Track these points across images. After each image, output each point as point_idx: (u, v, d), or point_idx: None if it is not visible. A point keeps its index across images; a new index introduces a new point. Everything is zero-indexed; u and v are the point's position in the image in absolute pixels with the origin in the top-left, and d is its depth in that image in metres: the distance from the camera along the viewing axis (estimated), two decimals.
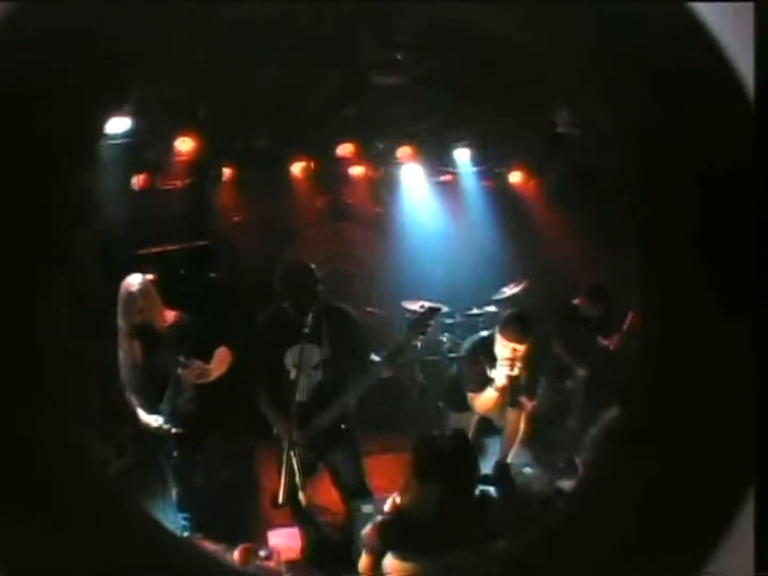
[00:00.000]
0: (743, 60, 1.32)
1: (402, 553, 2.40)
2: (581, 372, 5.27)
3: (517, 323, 4.06)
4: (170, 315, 3.75)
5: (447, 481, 2.36)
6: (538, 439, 4.94)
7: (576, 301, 5.45)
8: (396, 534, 2.42)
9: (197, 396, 3.67)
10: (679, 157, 1.34)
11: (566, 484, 4.04)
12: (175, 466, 3.72)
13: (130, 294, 3.63)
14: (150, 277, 3.78)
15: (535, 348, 4.56)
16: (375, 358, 3.59)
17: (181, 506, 3.80)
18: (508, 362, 4.03)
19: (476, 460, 2.51)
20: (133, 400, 3.72)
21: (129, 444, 4.56)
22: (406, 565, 2.39)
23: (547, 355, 4.99)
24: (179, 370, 3.53)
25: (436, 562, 2.37)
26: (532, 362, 4.58)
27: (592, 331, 5.38)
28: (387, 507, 2.50)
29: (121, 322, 3.68)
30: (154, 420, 3.64)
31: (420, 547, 2.39)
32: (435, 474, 2.38)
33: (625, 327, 5.29)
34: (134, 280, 3.67)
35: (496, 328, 4.10)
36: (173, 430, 3.60)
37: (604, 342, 5.37)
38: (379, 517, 2.49)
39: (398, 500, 2.46)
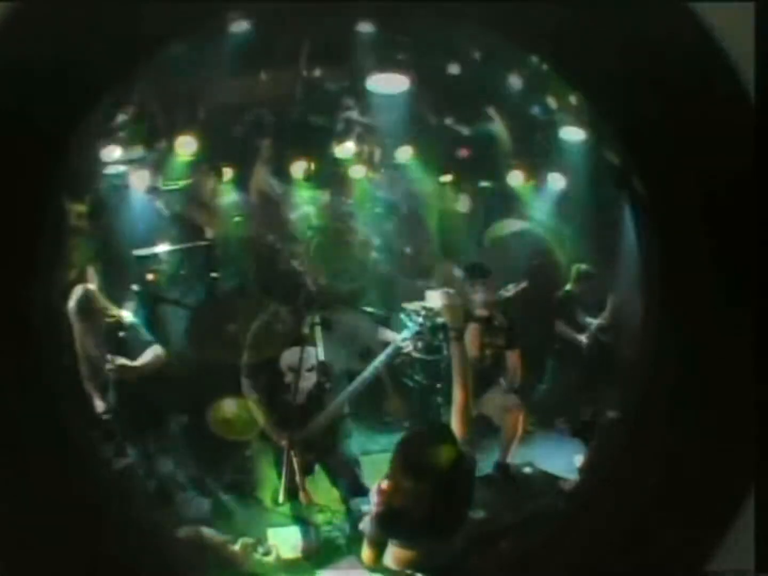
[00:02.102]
0: (743, 60, 1.32)
1: (401, 542, 2.41)
2: (584, 340, 5.59)
3: (476, 265, 4.84)
4: (119, 314, 3.88)
5: (436, 479, 2.36)
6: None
7: (568, 287, 5.90)
8: (392, 525, 2.42)
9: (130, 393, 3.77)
10: (680, 156, 1.34)
11: (566, 484, 4.06)
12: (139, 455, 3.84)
13: (73, 306, 3.81)
14: (91, 286, 3.96)
15: (528, 356, 4.72)
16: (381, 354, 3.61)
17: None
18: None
19: (461, 451, 2.50)
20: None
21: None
22: (408, 553, 2.40)
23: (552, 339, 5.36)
24: (107, 366, 3.69)
25: (435, 548, 2.38)
26: (516, 358, 4.72)
27: (587, 312, 5.77)
28: (374, 497, 2.49)
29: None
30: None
31: (417, 537, 2.39)
32: (423, 474, 2.38)
33: (609, 305, 5.60)
34: (76, 293, 3.86)
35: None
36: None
37: (594, 322, 5.71)
38: (373, 510, 2.48)
39: (385, 487, 2.45)
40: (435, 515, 2.36)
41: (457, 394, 2.66)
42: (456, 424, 2.60)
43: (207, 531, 3.02)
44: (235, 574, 2.91)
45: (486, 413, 4.68)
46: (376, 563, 2.45)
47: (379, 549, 2.45)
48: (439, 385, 5.47)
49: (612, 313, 5.69)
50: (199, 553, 2.69)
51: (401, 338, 3.58)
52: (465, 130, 5.96)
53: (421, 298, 3.62)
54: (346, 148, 6.00)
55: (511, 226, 6.07)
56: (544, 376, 5.93)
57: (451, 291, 2.88)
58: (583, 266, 5.89)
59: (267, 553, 3.04)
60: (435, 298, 2.94)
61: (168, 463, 4.04)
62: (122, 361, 3.74)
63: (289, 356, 3.56)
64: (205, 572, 2.43)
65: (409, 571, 2.37)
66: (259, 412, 3.60)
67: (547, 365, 5.95)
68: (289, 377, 3.54)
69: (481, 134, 5.99)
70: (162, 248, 5.50)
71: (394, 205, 6.77)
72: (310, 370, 3.57)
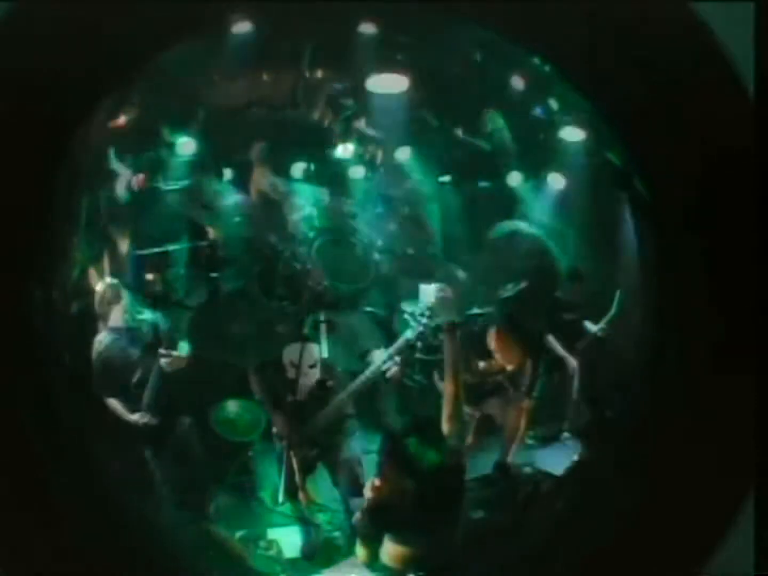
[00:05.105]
0: (743, 60, 1.32)
1: (394, 537, 2.42)
2: (574, 363, 5.34)
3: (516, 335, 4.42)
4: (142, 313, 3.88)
5: (419, 474, 2.38)
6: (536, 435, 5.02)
7: (558, 293, 5.52)
8: (382, 519, 2.44)
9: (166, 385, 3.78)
10: (680, 157, 1.33)
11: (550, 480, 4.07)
12: (155, 455, 3.82)
13: (103, 297, 3.75)
14: (115, 280, 4.03)
15: (535, 352, 4.65)
16: (380, 353, 3.61)
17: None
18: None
19: (444, 443, 2.51)
20: (113, 404, 3.78)
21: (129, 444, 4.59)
22: (403, 549, 2.41)
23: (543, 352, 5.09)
24: (161, 360, 3.70)
25: (430, 545, 2.39)
26: (532, 362, 4.65)
27: (580, 318, 5.46)
28: (367, 491, 2.51)
29: (100, 325, 3.79)
30: (139, 417, 3.70)
31: (407, 531, 2.41)
32: (407, 468, 2.40)
33: (614, 308, 5.38)
34: (105, 286, 3.90)
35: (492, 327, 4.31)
36: (152, 422, 3.68)
37: (593, 328, 5.44)
38: (365, 503, 2.50)
39: (377, 483, 2.47)
40: (422, 510, 2.38)
41: (447, 387, 2.67)
42: (445, 418, 2.61)
43: (213, 527, 3.04)
44: (238, 570, 2.92)
45: (489, 411, 4.68)
46: (371, 561, 2.46)
47: (372, 546, 2.47)
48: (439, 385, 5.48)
49: (616, 315, 5.48)
50: (205, 550, 2.70)
51: (405, 338, 3.59)
52: (466, 131, 5.96)
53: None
54: (346, 149, 5.99)
55: (510, 225, 5.95)
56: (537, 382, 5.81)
57: (443, 285, 2.89)
58: (571, 265, 5.71)
59: (268, 549, 3.05)
60: (428, 293, 2.95)
61: (176, 462, 4.05)
62: (175, 353, 3.77)
63: (290, 352, 3.58)
64: (211, 569, 2.44)
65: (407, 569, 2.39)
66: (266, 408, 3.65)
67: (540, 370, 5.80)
68: (291, 373, 3.55)
69: (481, 135, 5.99)
70: (163, 249, 5.50)
71: (395, 206, 6.77)
72: (312, 366, 3.58)
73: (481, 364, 4.57)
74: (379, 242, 6.73)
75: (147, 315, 3.96)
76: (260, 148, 5.84)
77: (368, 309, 5.94)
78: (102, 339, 3.85)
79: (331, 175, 6.42)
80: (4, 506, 1.37)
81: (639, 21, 1.34)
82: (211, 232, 6.11)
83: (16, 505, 1.40)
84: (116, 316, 3.86)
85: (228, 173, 5.94)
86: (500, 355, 4.46)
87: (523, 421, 4.66)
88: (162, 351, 3.74)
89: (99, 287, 3.92)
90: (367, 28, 4.18)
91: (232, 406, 4.50)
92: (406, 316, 3.90)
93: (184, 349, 3.90)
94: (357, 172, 6.38)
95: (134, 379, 3.81)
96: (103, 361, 3.79)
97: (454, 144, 6.11)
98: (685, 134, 1.34)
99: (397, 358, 3.55)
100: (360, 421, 3.91)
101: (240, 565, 2.95)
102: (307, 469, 3.51)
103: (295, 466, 3.39)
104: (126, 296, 3.91)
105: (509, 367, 4.52)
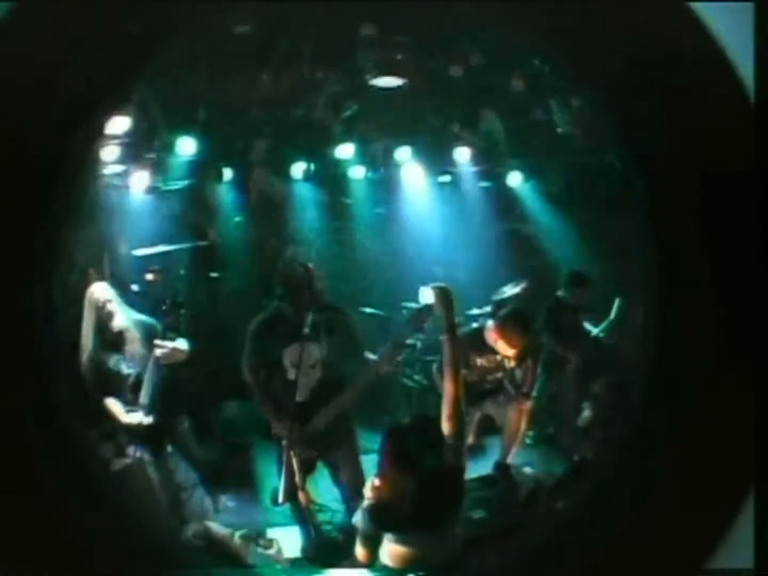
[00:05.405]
0: (743, 60, 1.32)
1: (394, 537, 2.42)
2: (573, 361, 5.34)
3: (517, 323, 4.34)
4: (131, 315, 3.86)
5: (418, 472, 2.38)
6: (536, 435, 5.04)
7: (559, 293, 5.49)
8: (381, 518, 2.44)
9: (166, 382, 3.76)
10: (680, 156, 1.34)
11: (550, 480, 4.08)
12: (154, 455, 3.80)
13: (97, 302, 3.72)
14: (106, 284, 3.95)
15: (535, 350, 4.65)
16: (373, 357, 3.60)
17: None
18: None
19: (444, 443, 2.52)
20: (110, 404, 3.76)
21: (128, 444, 4.59)
22: (403, 549, 2.41)
23: (542, 351, 5.09)
24: (157, 351, 3.65)
25: (430, 545, 2.40)
26: (532, 362, 4.65)
27: (580, 319, 5.45)
28: (367, 491, 2.52)
29: (91, 331, 3.77)
30: (136, 417, 3.68)
31: (407, 530, 2.41)
32: (406, 466, 2.40)
33: (613, 314, 5.37)
34: (97, 288, 3.81)
35: (490, 322, 4.36)
36: (147, 421, 3.67)
37: (593, 330, 5.44)
38: (365, 502, 2.50)
39: (377, 483, 2.47)
40: (422, 510, 2.38)
41: (447, 387, 2.67)
42: (445, 418, 2.62)
43: (213, 525, 3.04)
44: (239, 569, 2.92)
45: (489, 412, 4.69)
46: (371, 561, 2.47)
47: (372, 545, 2.47)
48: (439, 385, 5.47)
49: (615, 321, 5.46)
50: (205, 549, 2.70)
51: (405, 336, 3.58)
52: (465, 131, 5.97)
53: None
54: (346, 149, 6.00)
55: (510, 226, 5.93)
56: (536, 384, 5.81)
57: (443, 285, 2.89)
58: (577, 269, 5.54)
59: (268, 548, 3.05)
60: (428, 293, 2.95)
61: (175, 462, 4.04)
62: (171, 343, 3.71)
63: (290, 352, 3.57)
64: (212, 568, 2.44)
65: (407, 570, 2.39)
66: (262, 409, 3.63)
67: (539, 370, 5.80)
68: (291, 373, 3.55)
69: (480, 135, 6.00)
70: (163, 249, 5.51)
71: (394, 206, 6.79)
72: (313, 366, 3.57)
73: (479, 361, 4.58)
74: (379, 243, 6.76)
75: (139, 316, 3.93)
76: (260, 148, 5.86)
77: (368, 309, 5.96)
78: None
79: (331, 175, 6.44)
80: (3, 506, 1.37)
81: (638, 21, 1.34)
82: (211, 233, 6.14)
83: (15, 505, 1.40)
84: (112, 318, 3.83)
85: (228, 173, 5.97)
86: (501, 342, 4.43)
87: (523, 422, 4.66)
88: (158, 342, 3.68)
89: (89, 291, 3.86)
90: (367, 29, 4.19)
91: (232, 407, 4.50)
92: (404, 313, 3.91)
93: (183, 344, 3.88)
94: (357, 172, 6.40)
95: (131, 381, 3.80)
96: (98, 362, 3.78)
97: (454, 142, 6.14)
98: (685, 135, 1.34)
99: (397, 357, 3.54)
100: (360, 421, 3.92)
101: (240, 565, 2.95)
102: (307, 469, 3.50)
103: (295, 466, 3.39)
104: (117, 298, 3.87)
105: (510, 355, 4.50)
